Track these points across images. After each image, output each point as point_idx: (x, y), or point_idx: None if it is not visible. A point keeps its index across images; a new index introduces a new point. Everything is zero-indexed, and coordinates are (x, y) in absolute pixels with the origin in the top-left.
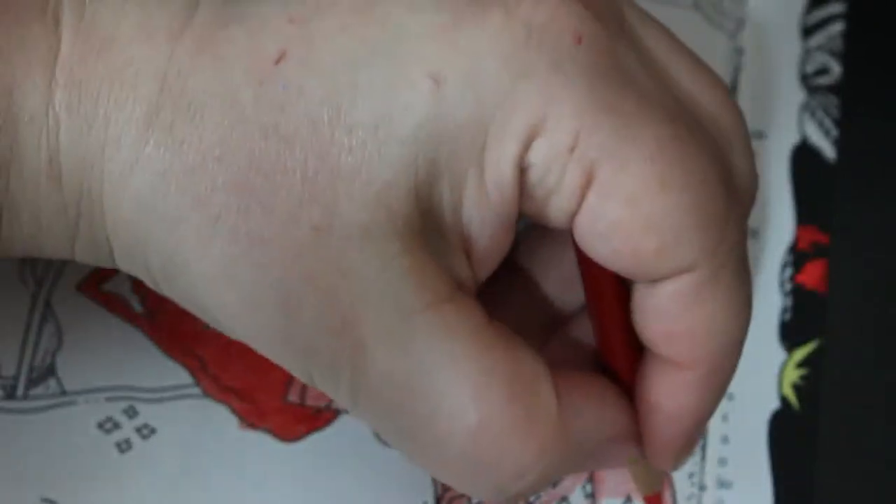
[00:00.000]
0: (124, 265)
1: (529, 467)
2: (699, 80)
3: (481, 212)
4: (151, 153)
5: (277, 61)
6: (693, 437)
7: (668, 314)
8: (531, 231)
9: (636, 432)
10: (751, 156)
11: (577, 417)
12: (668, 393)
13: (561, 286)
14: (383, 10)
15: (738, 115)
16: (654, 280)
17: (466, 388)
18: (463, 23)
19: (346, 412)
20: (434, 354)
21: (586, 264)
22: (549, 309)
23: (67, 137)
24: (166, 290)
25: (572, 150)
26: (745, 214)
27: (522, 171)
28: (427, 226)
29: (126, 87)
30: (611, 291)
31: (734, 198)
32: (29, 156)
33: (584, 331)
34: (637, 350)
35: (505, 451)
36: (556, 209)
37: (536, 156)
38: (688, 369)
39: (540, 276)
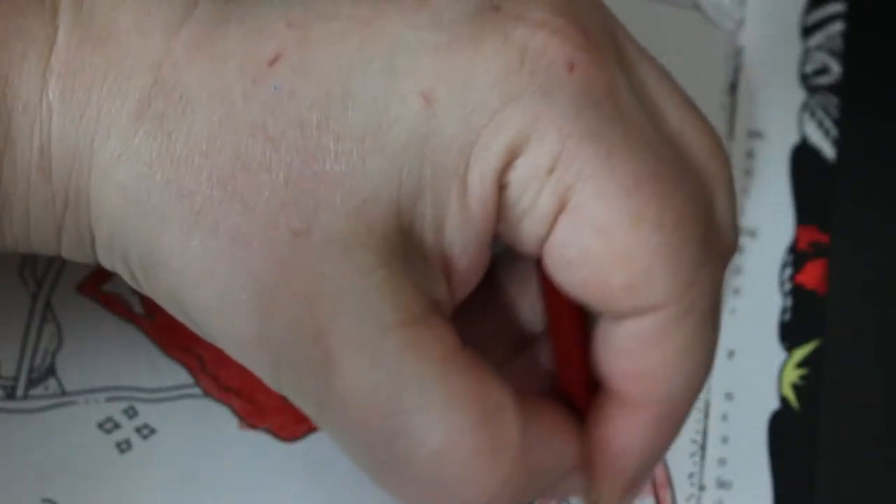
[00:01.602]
0: (104, 258)
1: (492, 494)
2: (690, 123)
3: (463, 231)
4: (140, 144)
5: (272, 62)
6: (641, 474)
7: (628, 352)
8: (504, 252)
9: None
10: (734, 207)
11: (539, 448)
12: (618, 429)
13: (530, 307)
14: (383, 23)
15: (726, 164)
16: (619, 316)
17: (433, 410)
18: (459, 44)
19: None
20: (403, 373)
21: (550, 293)
22: (517, 329)
23: (59, 127)
24: (144, 284)
25: (550, 172)
26: (723, 264)
27: (501, 188)
28: (407, 244)
29: (120, 78)
30: (572, 321)
31: (711, 245)
32: (21, 146)
33: (548, 353)
34: (595, 381)
35: (468, 477)
36: (529, 232)
37: (515, 174)
38: (641, 409)
39: (511, 296)
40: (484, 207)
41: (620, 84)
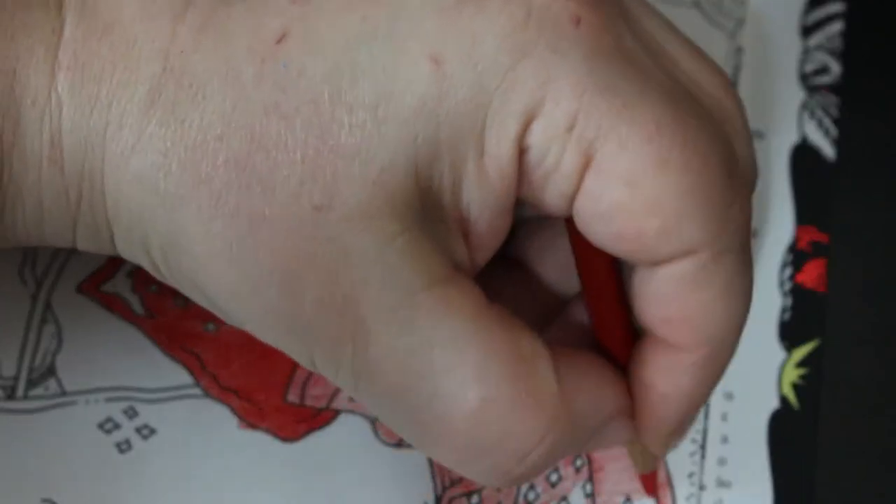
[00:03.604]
0: (124, 250)
1: (531, 447)
2: (700, 66)
3: (480, 194)
4: (153, 132)
5: (279, 40)
6: (685, 420)
7: (667, 297)
8: (528, 221)
9: (633, 412)
10: (751, 143)
11: (576, 396)
12: (663, 374)
13: (559, 273)
14: None
15: (739, 102)
16: (655, 263)
17: (467, 367)
18: (463, 4)
19: (346, 412)
20: (434, 334)
21: (581, 249)
22: (548, 296)
23: (70, 120)
24: (166, 273)
25: (570, 130)
26: (748, 200)
27: (521, 152)
28: (426, 208)
29: (129, 67)
30: (606, 275)
31: (738, 182)
32: (31, 139)
33: (582, 316)
34: (633, 333)
35: (507, 432)
36: (555, 192)
37: (535, 137)
38: (685, 352)
39: (537, 265)
40: (502, 172)
41: (627, 35)
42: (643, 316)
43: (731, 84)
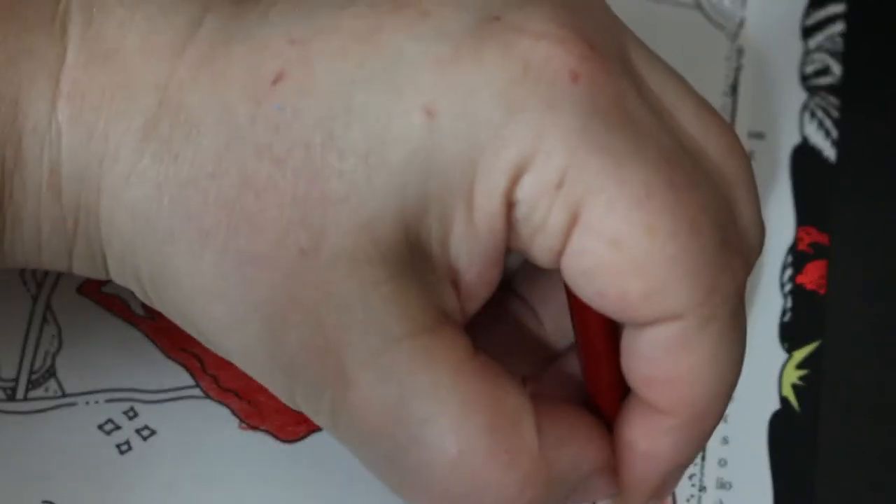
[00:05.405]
0: (117, 276)
1: (510, 499)
2: (706, 125)
3: (469, 246)
4: (147, 166)
5: (275, 81)
6: (666, 482)
7: (651, 359)
8: (528, 263)
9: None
10: (757, 206)
11: (558, 453)
12: (644, 434)
13: (557, 320)
14: (384, 37)
15: (746, 162)
16: (640, 324)
17: (447, 417)
18: (461, 56)
19: None
20: (415, 383)
21: (575, 301)
22: (545, 342)
23: (68, 148)
24: (156, 301)
25: (560, 187)
26: (748, 265)
27: (510, 206)
28: (414, 256)
29: (126, 98)
30: (598, 330)
31: (733, 248)
32: (31, 166)
33: (577, 367)
34: (623, 388)
35: (485, 484)
36: (543, 247)
37: (524, 191)
38: (667, 414)
39: (537, 309)
40: (491, 225)
41: (628, 92)
42: (629, 374)
43: (739, 146)
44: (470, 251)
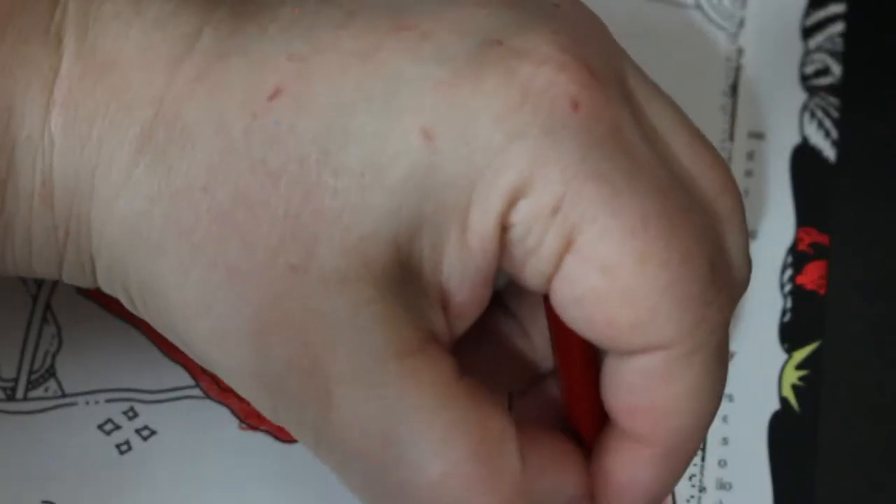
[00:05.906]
0: (105, 285)
1: None
2: (700, 158)
3: (461, 267)
4: (140, 177)
5: (272, 97)
6: None
7: (634, 388)
8: (517, 284)
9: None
10: (746, 242)
11: (539, 478)
12: (622, 463)
13: (545, 336)
14: (385, 57)
15: (737, 197)
16: (626, 352)
17: (430, 440)
18: (461, 80)
19: None
20: (399, 403)
21: (557, 327)
22: (531, 358)
23: (61, 158)
24: (143, 312)
25: (555, 213)
26: (733, 299)
27: (504, 229)
28: (404, 277)
29: (122, 110)
30: (579, 357)
31: (721, 281)
32: (24, 176)
33: (557, 390)
34: (602, 415)
35: None
36: (535, 270)
37: (519, 216)
38: (646, 444)
39: (525, 325)
40: (484, 246)
41: (626, 121)
42: (609, 402)
43: (731, 180)
44: (462, 272)
